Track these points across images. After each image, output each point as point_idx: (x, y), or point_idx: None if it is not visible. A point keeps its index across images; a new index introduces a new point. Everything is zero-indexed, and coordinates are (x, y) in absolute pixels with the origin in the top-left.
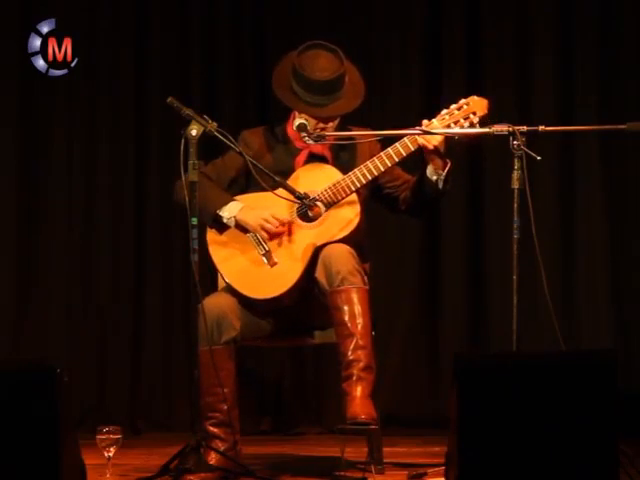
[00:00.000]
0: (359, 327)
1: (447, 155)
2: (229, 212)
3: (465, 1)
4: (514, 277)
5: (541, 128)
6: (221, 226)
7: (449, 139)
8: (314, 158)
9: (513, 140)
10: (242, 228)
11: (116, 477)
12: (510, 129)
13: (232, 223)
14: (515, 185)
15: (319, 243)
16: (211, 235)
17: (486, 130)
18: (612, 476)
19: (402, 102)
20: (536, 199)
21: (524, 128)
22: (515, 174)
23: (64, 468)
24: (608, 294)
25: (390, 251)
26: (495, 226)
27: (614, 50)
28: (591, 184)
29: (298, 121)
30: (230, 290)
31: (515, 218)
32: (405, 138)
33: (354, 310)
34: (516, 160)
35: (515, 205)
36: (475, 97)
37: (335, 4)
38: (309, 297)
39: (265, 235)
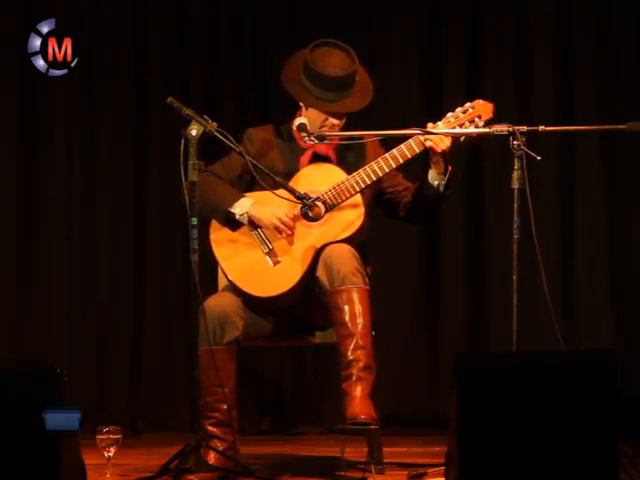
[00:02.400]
0: (359, 327)
1: (449, 160)
2: (241, 208)
3: (465, 1)
4: (514, 277)
5: (541, 128)
6: (234, 223)
7: (455, 144)
8: (318, 158)
9: (513, 140)
10: (253, 224)
11: (116, 477)
12: (510, 129)
13: (245, 219)
14: (515, 185)
15: (322, 243)
16: (214, 234)
17: (486, 130)
18: (612, 476)
19: (402, 102)
20: (536, 199)
21: (524, 128)
22: (515, 174)
23: (64, 468)
24: (608, 294)
25: (390, 251)
26: (495, 226)
27: (614, 50)
28: (591, 184)
29: (298, 121)
30: (233, 289)
31: (515, 218)
32: (410, 140)
33: (354, 310)
34: (516, 160)
35: (515, 205)
36: (480, 101)
37: (335, 4)
38: (310, 297)
39: (276, 233)
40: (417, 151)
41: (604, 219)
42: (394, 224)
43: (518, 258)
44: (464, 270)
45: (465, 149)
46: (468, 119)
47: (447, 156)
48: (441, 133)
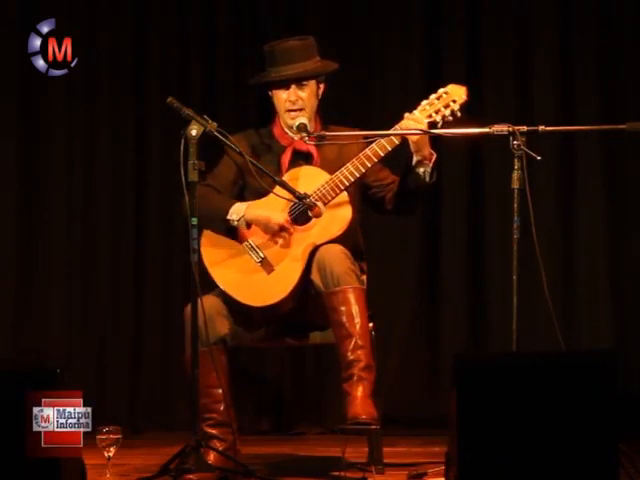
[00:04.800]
0: (357, 327)
1: (435, 149)
2: (236, 214)
3: (465, 1)
4: (514, 277)
5: (541, 128)
6: (234, 232)
7: (432, 127)
8: (299, 155)
9: (513, 140)
10: (247, 234)
11: (116, 477)
12: (510, 129)
13: (243, 225)
14: (515, 185)
15: (318, 243)
16: (205, 239)
17: (486, 130)
18: (612, 476)
19: (402, 102)
20: (536, 199)
21: (524, 128)
22: (515, 174)
23: (64, 468)
24: (608, 294)
25: (390, 251)
26: (495, 226)
27: (614, 50)
28: (591, 184)
29: (298, 121)
30: (220, 293)
31: (515, 218)
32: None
33: (351, 310)
34: (516, 160)
35: (515, 205)
36: (453, 85)
37: (335, 4)
38: (306, 299)
39: (278, 241)
40: (396, 142)
41: (604, 219)
42: (394, 223)
43: (518, 258)
44: (464, 270)
45: (465, 149)
46: (443, 104)
47: (427, 143)
48: (440, 133)
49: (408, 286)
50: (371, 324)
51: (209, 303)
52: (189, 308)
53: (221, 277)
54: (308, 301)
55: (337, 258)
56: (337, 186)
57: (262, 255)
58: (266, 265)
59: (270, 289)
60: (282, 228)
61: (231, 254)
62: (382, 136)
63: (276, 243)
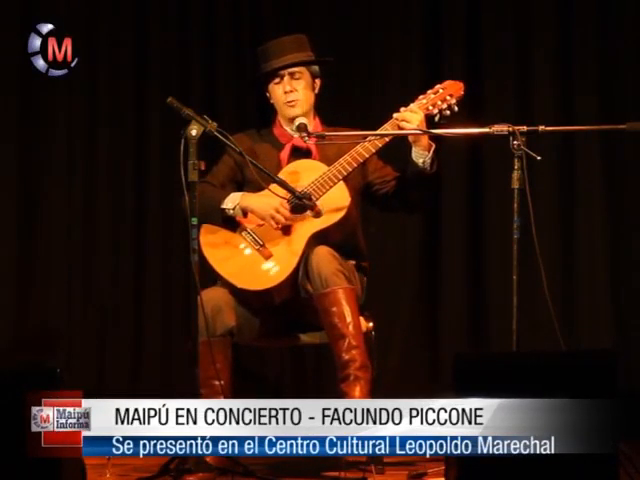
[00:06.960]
0: (350, 327)
1: (434, 139)
2: (232, 203)
3: (465, 1)
4: (514, 277)
5: (541, 128)
6: (231, 222)
7: (429, 119)
8: (298, 152)
9: (513, 140)
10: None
11: (116, 477)
12: (510, 129)
13: (239, 213)
14: (515, 185)
15: (314, 231)
16: (204, 237)
17: (486, 130)
18: (612, 476)
19: (401, 101)
20: (536, 199)
21: (524, 128)
22: (515, 174)
23: (64, 468)
24: (608, 294)
25: (390, 251)
26: (495, 226)
27: (614, 50)
28: (591, 184)
29: (298, 121)
30: (227, 285)
31: (515, 218)
32: (386, 124)
33: (342, 311)
34: (516, 160)
35: (515, 205)
36: (450, 80)
37: (335, 3)
38: (301, 300)
39: (274, 225)
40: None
41: (604, 219)
42: (394, 223)
43: (518, 258)
44: (464, 270)
45: (465, 149)
46: (440, 99)
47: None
48: (440, 133)
49: (408, 286)
50: (371, 324)
51: (218, 294)
52: (202, 295)
53: (220, 264)
54: (301, 304)
55: (324, 260)
56: (335, 176)
57: (260, 242)
58: (264, 252)
59: (268, 274)
60: (277, 210)
61: (229, 242)
62: (382, 136)
63: (274, 230)
